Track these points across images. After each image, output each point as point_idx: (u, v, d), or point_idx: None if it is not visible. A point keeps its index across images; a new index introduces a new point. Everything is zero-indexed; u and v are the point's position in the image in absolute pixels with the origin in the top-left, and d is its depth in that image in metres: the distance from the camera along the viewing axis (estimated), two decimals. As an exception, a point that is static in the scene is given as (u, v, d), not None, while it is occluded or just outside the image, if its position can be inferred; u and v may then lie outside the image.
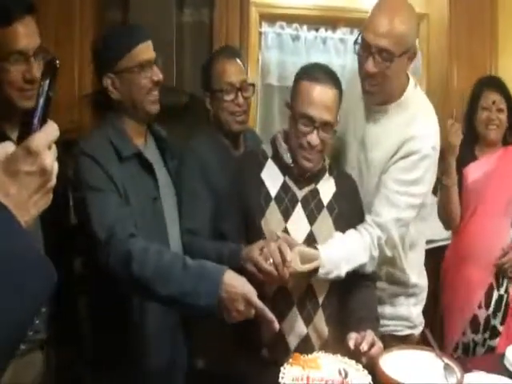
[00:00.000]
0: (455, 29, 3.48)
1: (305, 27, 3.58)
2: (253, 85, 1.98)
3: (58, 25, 3.06)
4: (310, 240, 1.64)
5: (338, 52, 3.62)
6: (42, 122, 0.78)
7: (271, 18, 3.56)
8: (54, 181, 0.78)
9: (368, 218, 1.70)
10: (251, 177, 1.69)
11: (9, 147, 0.76)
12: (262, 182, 1.68)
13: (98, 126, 1.73)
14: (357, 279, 1.67)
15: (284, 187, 1.67)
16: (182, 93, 3.02)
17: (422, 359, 1.40)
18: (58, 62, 0.81)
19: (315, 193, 1.68)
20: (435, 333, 1.63)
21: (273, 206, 1.64)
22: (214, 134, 1.94)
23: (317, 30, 3.63)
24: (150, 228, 1.61)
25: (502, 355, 1.58)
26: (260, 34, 3.54)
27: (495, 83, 2.58)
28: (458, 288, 2.50)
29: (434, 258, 2.19)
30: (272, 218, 1.64)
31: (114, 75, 1.64)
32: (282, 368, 1.34)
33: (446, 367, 1.34)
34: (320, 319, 1.64)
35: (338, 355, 1.41)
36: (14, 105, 1.40)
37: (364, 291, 1.69)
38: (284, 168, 1.68)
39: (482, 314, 2.44)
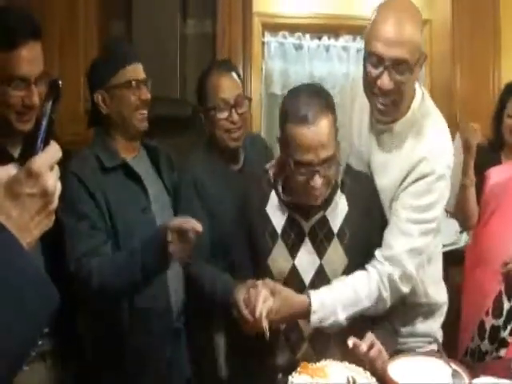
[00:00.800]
0: (458, 33, 3.49)
1: (307, 36, 3.61)
2: (249, 98, 1.94)
3: (62, 37, 3.12)
4: (321, 275, 1.54)
5: (341, 60, 3.64)
6: (45, 143, 0.78)
7: (274, 28, 3.60)
8: (55, 202, 0.78)
9: (377, 253, 1.53)
10: (256, 211, 1.59)
11: (11, 170, 0.76)
12: (267, 217, 1.58)
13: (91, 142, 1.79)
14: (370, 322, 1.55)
15: (289, 221, 1.56)
16: (185, 104, 3.02)
17: (430, 366, 1.39)
18: (60, 83, 0.82)
19: (324, 221, 1.54)
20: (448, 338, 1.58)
21: (279, 243, 1.56)
22: (211, 151, 1.89)
23: (319, 38, 3.65)
24: (140, 238, 1.60)
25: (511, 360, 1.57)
26: (263, 43, 3.58)
27: None
28: (469, 292, 2.47)
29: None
30: (279, 256, 1.55)
31: (104, 92, 1.70)
32: (289, 377, 1.33)
33: (454, 373, 1.33)
34: (331, 355, 1.50)
35: (346, 363, 1.40)
36: (11, 126, 1.40)
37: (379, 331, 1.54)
38: (287, 202, 1.57)
39: (489, 322, 2.40)
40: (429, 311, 1.75)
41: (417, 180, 1.51)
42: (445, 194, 1.56)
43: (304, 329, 1.55)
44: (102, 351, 1.71)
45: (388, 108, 1.51)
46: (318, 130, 1.41)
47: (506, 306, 2.36)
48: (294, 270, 1.55)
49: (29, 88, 1.35)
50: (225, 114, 1.81)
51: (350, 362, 1.40)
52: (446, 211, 3.35)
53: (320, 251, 1.54)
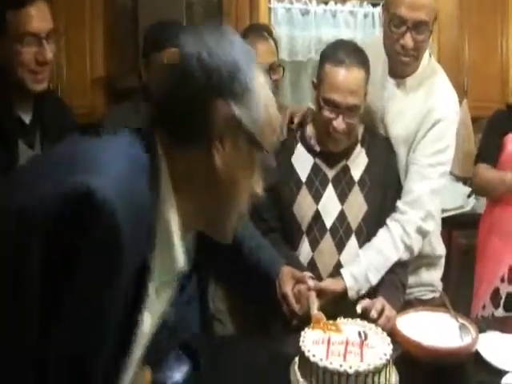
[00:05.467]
0: (465, -1, 3.43)
1: (314, 1, 3.56)
2: (282, 67, 1.98)
3: (68, 10, 3.08)
4: (341, 219, 1.66)
5: (348, 25, 3.60)
6: None
7: (280, -6, 3.55)
8: None
9: (398, 202, 1.69)
10: (282, 163, 1.69)
11: None
12: (292, 167, 1.71)
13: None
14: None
15: (314, 169, 1.69)
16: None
17: (437, 320, 1.44)
18: None
19: (346, 170, 1.68)
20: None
21: (303, 190, 1.67)
22: None
23: (326, 3, 3.60)
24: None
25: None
26: (269, 9, 3.53)
27: None
28: (483, 259, 2.46)
29: (445, 227, 2.16)
30: (303, 203, 1.67)
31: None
32: (302, 332, 1.36)
33: (461, 327, 1.38)
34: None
35: (358, 320, 1.44)
36: (25, 88, 1.44)
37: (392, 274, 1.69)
38: (313, 151, 1.70)
39: (504, 289, 2.39)
40: (431, 263, 1.91)
41: (432, 126, 1.68)
42: (454, 137, 1.73)
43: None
44: None
45: (410, 62, 1.70)
46: (350, 75, 1.56)
47: None
48: (317, 215, 1.67)
49: (40, 44, 1.41)
50: None
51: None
52: (454, 175, 3.38)
53: (342, 197, 1.67)
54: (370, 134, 1.74)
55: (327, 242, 1.68)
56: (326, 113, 1.58)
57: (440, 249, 1.95)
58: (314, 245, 1.69)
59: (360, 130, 1.71)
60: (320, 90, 1.60)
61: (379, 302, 1.52)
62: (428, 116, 1.69)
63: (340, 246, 1.68)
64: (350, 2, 3.61)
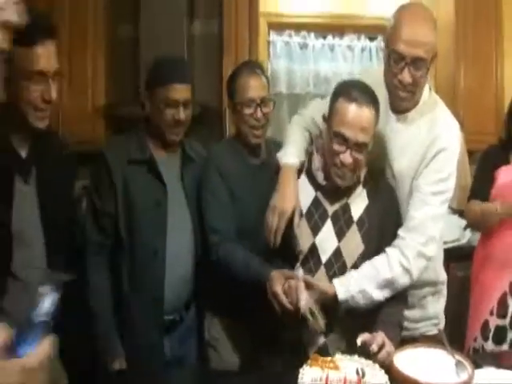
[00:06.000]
0: (462, 30, 3.54)
1: (312, 35, 3.64)
2: (273, 101, 2.05)
3: (71, 38, 3.16)
4: (337, 256, 1.68)
5: (346, 59, 3.69)
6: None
7: (279, 27, 3.64)
8: None
9: (400, 230, 1.71)
10: None
11: (2, 332, 0.76)
12: None
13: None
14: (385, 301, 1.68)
15: (315, 203, 1.71)
16: (193, 104, 3.09)
17: (434, 356, 1.44)
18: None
19: (346, 208, 1.70)
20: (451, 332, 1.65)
21: (303, 221, 1.69)
22: (234, 144, 2.04)
23: (324, 37, 3.69)
24: (149, 228, 1.86)
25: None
26: (268, 42, 3.62)
27: None
28: (475, 292, 2.50)
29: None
30: (301, 233, 1.68)
31: (148, 95, 1.91)
32: (300, 369, 1.37)
33: (458, 364, 1.38)
34: (338, 332, 1.66)
35: (356, 356, 1.45)
36: (28, 124, 1.48)
37: (391, 309, 1.69)
38: (316, 184, 1.72)
39: (493, 322, 2.41)
40: (436, 291, 1.92)
41: (436, 155, 1.71)
42: (455, 166, 1.77)
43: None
44: None
45: (408, 97, 1.74)
46: (362, 113, 1.60)
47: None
48: (313, 248, 1.68)
49: (47, 83, 1.46)
50: (250, 111, 1.96)
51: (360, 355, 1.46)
52: (451, 208, 3.41)
53: (339, 234, 1.68)
54: (372, 176, 1.77)
55: (321, 275, 1.68)
56: (336, 146, 1.62)
57: (443, 275, 1.97)
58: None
59: (363, 171, 1.74)
60: (332, 123, 1.64)
61: (380, 335, 1.52)
62: (431, 146, 1.72)
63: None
64: (347, 36, 3.70)
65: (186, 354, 2.00)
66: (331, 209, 1.70)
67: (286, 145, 1.81)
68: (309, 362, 1.39)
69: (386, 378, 1.34)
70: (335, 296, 1.62)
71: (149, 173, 1.90)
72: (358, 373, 1.34)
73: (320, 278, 1.67)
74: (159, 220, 1.88)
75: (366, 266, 1.66)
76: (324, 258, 1.68)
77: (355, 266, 1.68)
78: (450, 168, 1.73)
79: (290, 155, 1.77)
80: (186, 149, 2.01)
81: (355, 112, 1.59)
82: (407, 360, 1.39)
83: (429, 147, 1.72)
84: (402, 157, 1.77)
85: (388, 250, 1.68)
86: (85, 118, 3.20)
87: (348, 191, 1.70)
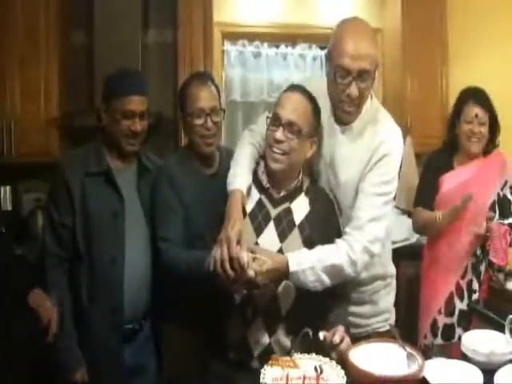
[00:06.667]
0: (408, 42, 3.67)
1: (266, 44, 3.72)
2: (223, 110, 2.08)
3: (23, 48, 3.11)
4: None
5: (298, 67, 3.77)
6: None
7: (233, 37, 3.69)
8: None
9: (346, 228, 1.75)
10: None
11: None
12: None
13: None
14: (330, 301, 1.74)
15: (259, 204, 1.75)
16: (148, 114, 3.07)
17: (387, 350, 1.52)
18: None
19: (288, 212, 1.74)
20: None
21: (246, 220, 1.73)
22: (187, 155, 2.05)
23: (277, 46, 3.77)
24: (107, 238, 1.89)
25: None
26: (223, 52, 3.66)
27: (478, 96, 2.56)
28: (424, 292, 2.60)
29: (393, 257, 2.26)
30: (244, 232, 1.69)
31: (105, 107, 1.96)
32: (262, 370, 1.43)
33: (409, 356, 1.46)
34: (282, 332, 1.70)
35: (313, 354, 1.51)
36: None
37: (339, 309, 1.74)
38: (261, 187, 1.77)
39: (441, 320, 2.50)
40: (386, 284, 1.99)
41: (379, 160, 1.77)
42: (398, 167, 1.84)
43: (259, 303, 1.69)
44: None
45: (353, 111, 1.79)
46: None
47: (459, 305, 2.47)
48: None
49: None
50: (201, 121, 1.97)
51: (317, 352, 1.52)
52: (400, 208, 3.53)
53: (281, 236, 1.72)
54: (314, 187, 1.83)
55: None
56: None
57: (391, 269, 2.04)
58: None
59: (306, 182, 1.80)
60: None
61: (340, 329, 1.58)
62: (375, 152, 1.77)
63: (276, 283, 1.71)
64: (299, 46, 3.79)
65: (146, 362, 2.01)
66: (274, 212, 1.74)
67: (234, 167, 1.81)
68: (270, 362, 1.45)
69: (342, 373, 1.41)
70: (286, 268, 1.63)
71: (106, 184, 1.93)
72: (316, 370, 1.41)
73: None
74: (117, 230, 1.91)
75: (317, 248, 1.69)
76: None
77: None
78: (393, 171, 1.79)
79: (238, 181, 1.76)
80: (142, 159, 2.04)
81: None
82: (362, 355, 1.46)
83: (373, 154, 1.77)
84: (348, 167, 1.81)
85: (337, 240, 1.72)
86: (38, 129, 3.15)
87: (290, 197, 1.75)
